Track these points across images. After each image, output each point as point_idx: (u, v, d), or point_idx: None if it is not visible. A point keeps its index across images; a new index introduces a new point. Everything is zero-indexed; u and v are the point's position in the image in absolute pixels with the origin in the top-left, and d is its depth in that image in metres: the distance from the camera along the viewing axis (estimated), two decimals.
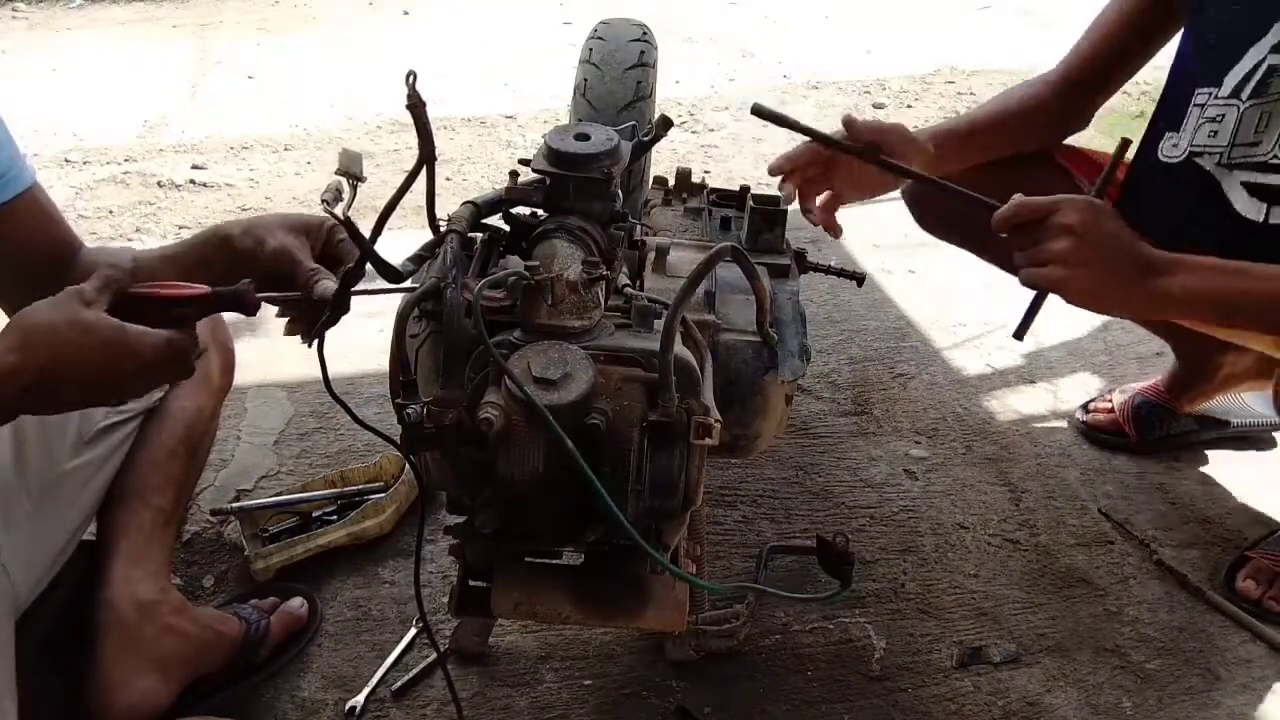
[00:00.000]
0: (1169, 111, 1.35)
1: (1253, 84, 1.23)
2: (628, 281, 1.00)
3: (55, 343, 0.79)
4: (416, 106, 0.86)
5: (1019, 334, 1.20)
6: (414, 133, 0.89)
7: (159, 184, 2.91)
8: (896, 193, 1.51)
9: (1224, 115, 1.25)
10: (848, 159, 1.25)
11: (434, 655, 1.33)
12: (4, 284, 1.07)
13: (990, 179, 1.40)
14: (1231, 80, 1.25)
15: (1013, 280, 1.20)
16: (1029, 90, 1.49)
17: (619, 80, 1.54)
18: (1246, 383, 1.73)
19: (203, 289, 0.90)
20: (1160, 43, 1.42)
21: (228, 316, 1.43)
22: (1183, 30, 1.33)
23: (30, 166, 1.04)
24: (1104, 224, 1.11)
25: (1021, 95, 1.49)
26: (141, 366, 0.84)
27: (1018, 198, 1.13)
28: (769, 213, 1.26)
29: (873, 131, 1.25)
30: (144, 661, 1.16)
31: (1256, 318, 1.16)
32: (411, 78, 0.86)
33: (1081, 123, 1.51)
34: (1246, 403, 1.83)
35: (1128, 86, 1.58)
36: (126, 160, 3.08)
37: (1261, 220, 1.26)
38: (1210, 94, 1.28)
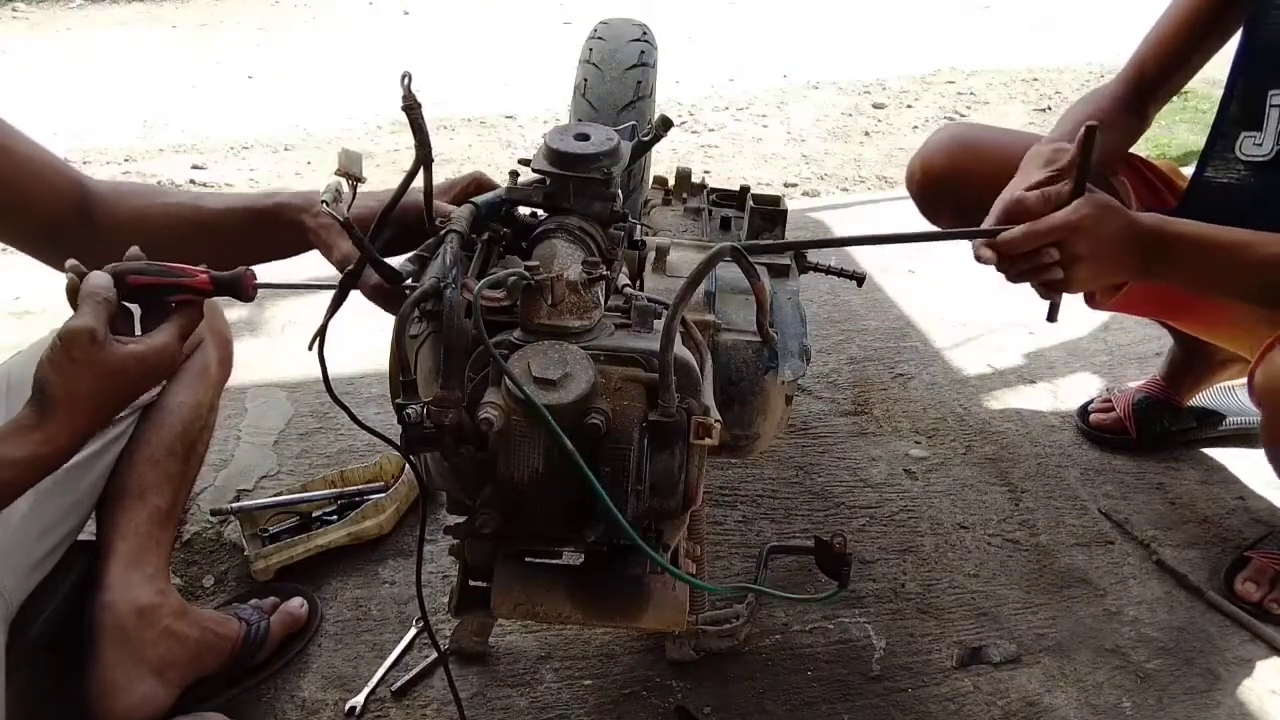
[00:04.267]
0: (1243, 110, 1.36)
1: None
2: (628, 281, 1.00)
3: (97, 403, 0.88)
4: (412, 108, 0.86)
5: (1052, 317, 1.22)
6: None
7: (159, 184, 2.91)
8: (903, 190, 1.48)
9: None
10: None
11: (434, 655, 1.34)
12: (16, 237, 1.09)
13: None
14: None
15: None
16: (1101, 104, 1.46)
17: (619, 80, 1.54)
18: (1240, 365, 1.73)
19: (201, 278, 0.90)
20: (1220, 45, 1.41)
21: (229, 319, 1.44)
22: (1243, 31, 1.34)
23: None
24: (1103, 217, 1.11)
25: (1096, 110, 1.45)
26: (165, 370, 0.92)
27: (1020, 228, 1.11)
28: (769, 213, 1.27)
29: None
30: (143, 665, 1.16)
31: (1235, 271, 1.19)
32: (406, 79, 0.85)
33: (1145, 127, 1.52)
34: (1242, 400, 1.83)
35: None
36: (126, 160, 3.08)
37: None
38: (1278, 95, 1.30)
